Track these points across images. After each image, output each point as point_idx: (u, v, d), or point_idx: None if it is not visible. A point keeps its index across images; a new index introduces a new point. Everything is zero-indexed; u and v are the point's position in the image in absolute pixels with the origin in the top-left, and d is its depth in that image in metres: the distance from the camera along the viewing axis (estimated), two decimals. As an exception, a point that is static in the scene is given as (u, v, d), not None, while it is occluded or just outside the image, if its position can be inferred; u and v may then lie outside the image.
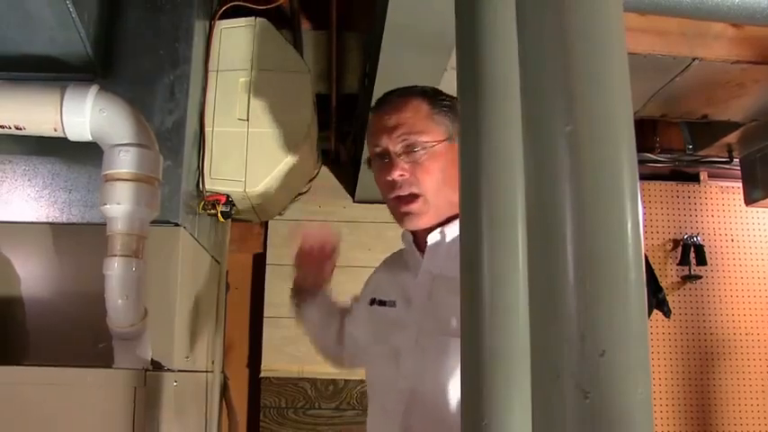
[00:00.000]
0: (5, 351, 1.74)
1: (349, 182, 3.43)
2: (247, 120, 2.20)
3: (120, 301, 1.61)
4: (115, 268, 1.61)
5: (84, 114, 1.65)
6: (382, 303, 1.49)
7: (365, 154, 1.68)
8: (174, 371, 1.75)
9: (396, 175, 1.36)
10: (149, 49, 1.98)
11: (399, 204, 1.39)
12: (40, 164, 1.90)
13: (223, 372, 2.68)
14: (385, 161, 1.39)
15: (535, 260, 0.55)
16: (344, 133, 3.19)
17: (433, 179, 1.36)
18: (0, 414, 1.47)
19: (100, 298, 1.62)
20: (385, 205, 1.45)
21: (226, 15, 2.31)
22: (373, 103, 1.49)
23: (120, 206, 1.62)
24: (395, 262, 1.58)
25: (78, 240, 1.85)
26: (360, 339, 1.61)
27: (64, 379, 1.51)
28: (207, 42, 2.24)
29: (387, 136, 1.38)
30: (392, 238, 1.60)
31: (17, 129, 1.69)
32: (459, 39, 0.66)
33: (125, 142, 1.64)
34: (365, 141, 1.57)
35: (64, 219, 1.88)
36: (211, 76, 2.22)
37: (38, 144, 1.84)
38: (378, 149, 1.41)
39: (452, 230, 1.38)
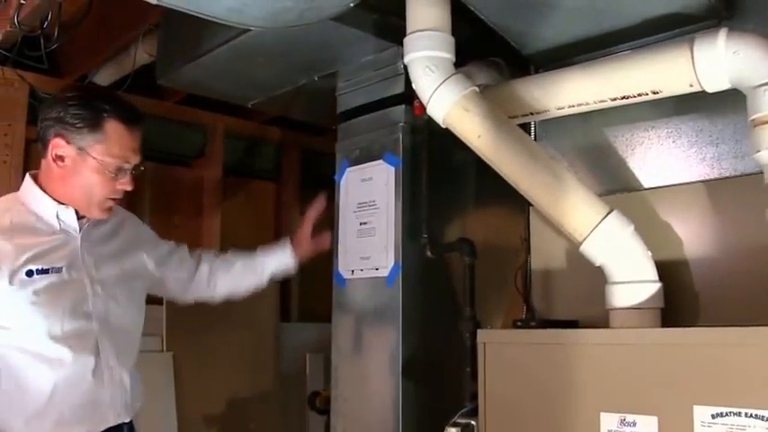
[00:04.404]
0: (676, 314, 1.76)
1: None
2: None
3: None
4: (784, 217, 1.48)
5: (717, 62, 1.58)
6: None
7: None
8: None
9: (131, 186, 1.80)
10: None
11: (109, 203, 1.80)
12: (682, 123, 1.88)
13: None
14: (125, 173, 1.77)
15: None
16: None
17: None
18: (678, 375, 1.48)
19: (766, 250, 1.52)
20: None
21: None
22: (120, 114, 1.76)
23: (774, 150, 1.49)
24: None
25: (733, 193, 1.76)
26: None
27: (740, 339, 1.43)
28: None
29: (135, 153, 1.78)
30: None
31: (653, 93, 1.74)
32: None
33: (768, 80, 1.50)
34: (106, 151, 1.74)
35: (715, 174, 1.81)
36: None
37: (675, 103, 1.83)
38: (126, 165, 1.77)
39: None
